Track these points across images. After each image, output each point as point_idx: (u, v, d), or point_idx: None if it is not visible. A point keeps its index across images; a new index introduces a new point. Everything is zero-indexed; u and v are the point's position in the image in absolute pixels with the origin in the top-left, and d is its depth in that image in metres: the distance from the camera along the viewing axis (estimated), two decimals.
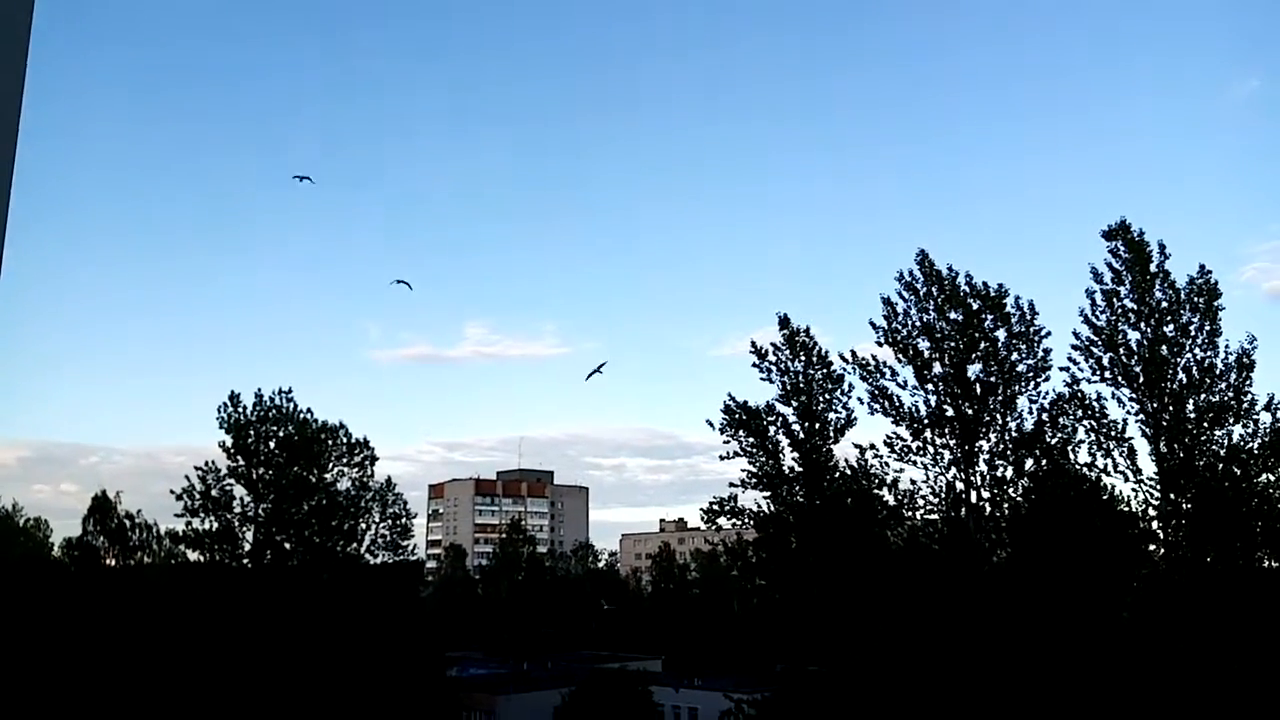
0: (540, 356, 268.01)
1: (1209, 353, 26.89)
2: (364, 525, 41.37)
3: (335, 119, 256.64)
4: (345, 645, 37.28)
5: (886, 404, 29.01)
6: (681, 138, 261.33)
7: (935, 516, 28.80)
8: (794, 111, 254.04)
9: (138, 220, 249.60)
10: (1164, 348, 27.03)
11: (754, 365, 30.33)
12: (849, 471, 29.46)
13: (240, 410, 40.56)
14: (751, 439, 29.77)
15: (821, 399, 29.99)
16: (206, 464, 40.07)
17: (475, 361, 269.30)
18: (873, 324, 29.45)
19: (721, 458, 29.99)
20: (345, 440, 41.89)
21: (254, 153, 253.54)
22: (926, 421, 28.55)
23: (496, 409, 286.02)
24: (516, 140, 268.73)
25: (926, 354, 28.82)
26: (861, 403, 29.58)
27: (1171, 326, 27.12)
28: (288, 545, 40.12)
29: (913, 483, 28.61)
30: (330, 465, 41.34)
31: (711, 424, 29.98)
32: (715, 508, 29.65)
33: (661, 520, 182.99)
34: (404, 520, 42.51)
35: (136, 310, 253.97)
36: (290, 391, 41.36)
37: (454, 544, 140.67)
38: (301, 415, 41.26)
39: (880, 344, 29.36)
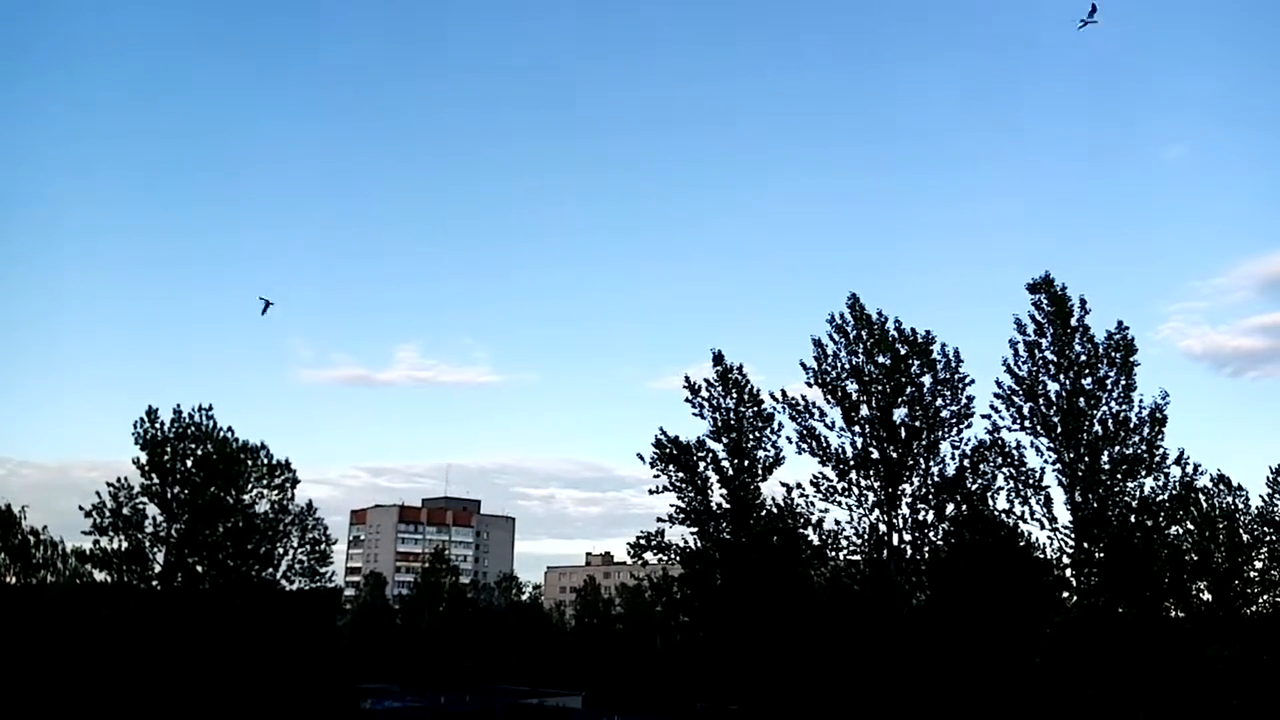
0: (473, 384, 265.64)
1: (1124, 406, 27.82)
2: (281, 550, 40.18)
3: (274, 135, 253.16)
4: (256, 673, 36.07)
5: (814, 444, 29.40)
6: (623, 169, 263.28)
7: (858, 557, 29.15)
8: (738, 149, 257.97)
9: (54, 228, 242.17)
10: (1081, 399, 27.89)
11: (686, 400, 30.55)
12: (775, 510, 29.68)
13: (158, 426, 39.24)
14: (681, 474, 29.88)
15: (751, 437, 30.25)
16: (118, 480, 38.65)
17: (406, 386, 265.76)
18: (803, 364, 29.92)
19: (651, 491, 30.10)
20: (266, 461, 40.75)
21: (187, 166, 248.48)
22: (852, 463, 28.97)
23: (426, 435, 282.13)
24: (454, 165, 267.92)
25: (854, 396, 29.31)
26: (790, 442, 30.00)
27: (1089, 379, 28.01)
28: (200, 568, 38.77)
29: (837, 523, 29.05)
30: (249, 486, 40.13)
31: (642, 457, 30.08)
32: (642, 542, 29.64)
33: (588, 554, 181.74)
34: (323, 546, 41.42)
35: (52, 319, 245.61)
36: (211, 409, 40.22)
37: (374, 572, 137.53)
38: (221, 434, 40.10)
39: (810, 384, 29.84)
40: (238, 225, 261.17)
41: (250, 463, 40.36)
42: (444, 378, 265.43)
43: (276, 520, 40.25)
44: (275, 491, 40.59)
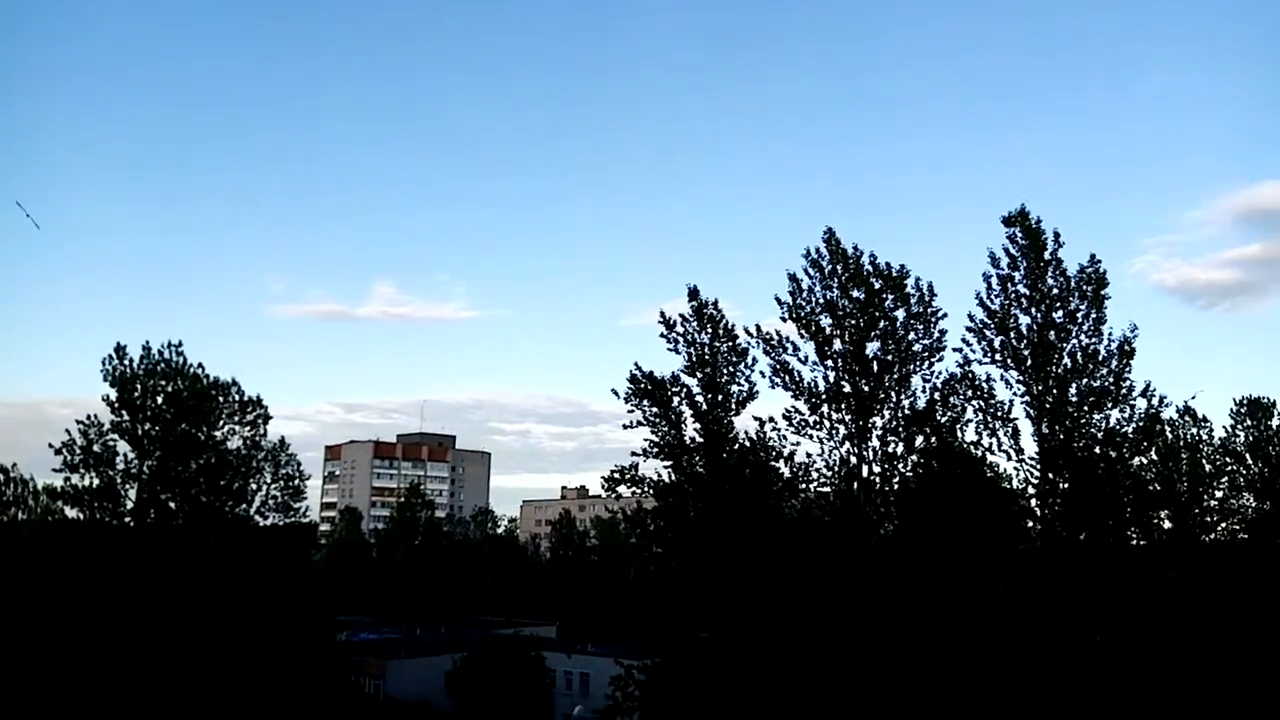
0: (449, 319, 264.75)
1: (1093, 339, 28.04)
2: (254, 486, 40.13)
3: (249, 69, 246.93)
4: (230, 607, 36.24)
5: (787, 378, 29.48)
6: (602, 105, 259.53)
7: (828, 489, 29.49)
8: (714, 85, 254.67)
9: (23, 161, 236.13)
10: (1052, 333, 28.08)
11: (661, 335, 30.43)
12: (748, 444, 29.88)
13: (127, 363, 38.79)
14: (655, 409, 29.92)
15: (725, 371, 30.26)
16: (88, 418, 38.26)
17: (381, 321, 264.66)
18: (778, 299, 29.84)
19: (625, 426, 30.12)
20: (238, 398, 40.48)
21: (157, 98, 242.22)
22: (824, 396, 29.12)
23: (401, 371, 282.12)
24: (432, 98, 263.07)
25: (828, 330, 29.32)
26: (764, 376, 30.03)
27: (1061, 312, 28.15)
28: (172, 504, 38.66)
29: (808, 456, 29.28)
30: (221, 423, 39.93)
31: (616, 393, 30.05)
32: (616, 476, 29.75)
33: (563, 487, 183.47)
34: (297, 481, 41.41)
35: (20, 257, 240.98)
36: (181, 345, 39.77)
37: (350, 507, 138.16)
38: (192, 370, 39.73)
39: (784, 319, 29.80)
40: (208, 158, 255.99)
41: (221, 399, 40.07)
42: (420, 313, 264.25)
43: (249, 456, 40.12)
44: (247, 428, 40.41)
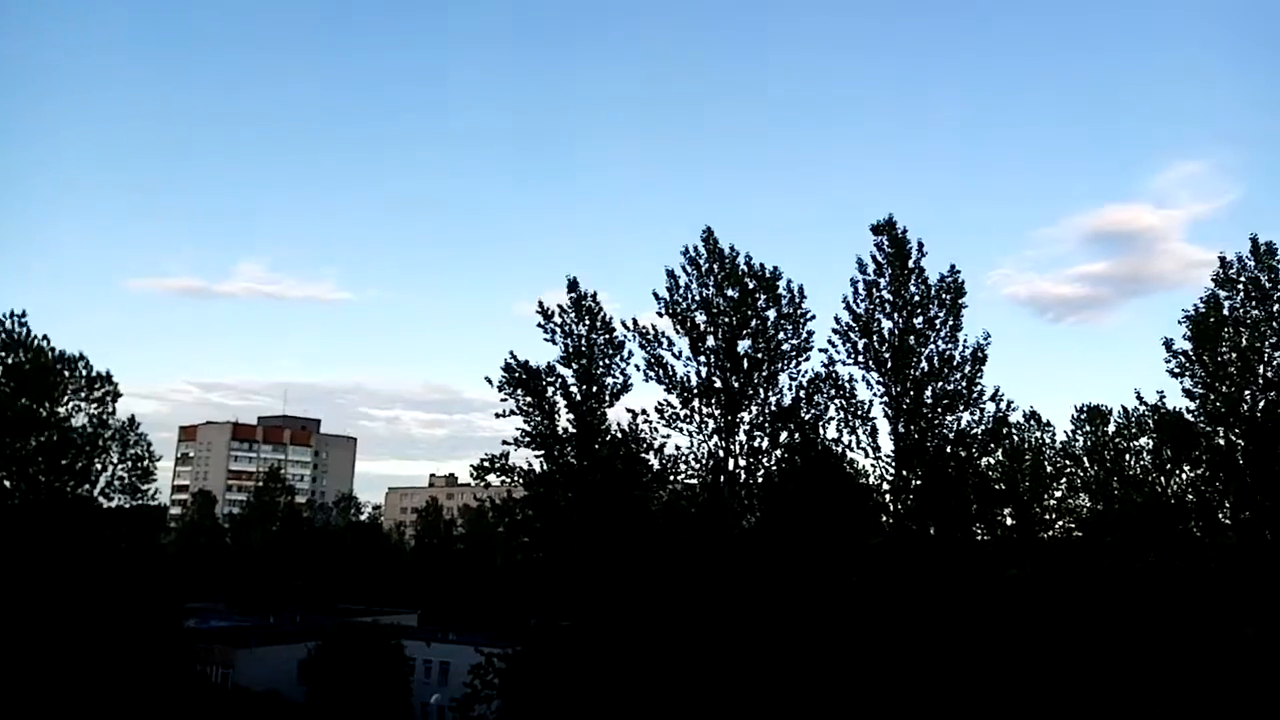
0: (320, 299, 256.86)
1: (950, 345, 29.59)
2: (99, 465, 38.18)
3: (115, 18, 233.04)
4: (69, 592, 34.39)
5: (661, 372, 29.95)
6: (494, 87, 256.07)
7: (695, 481, 30.08)
8: (609, 77, 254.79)
9: None
10: (912, 338, 29.45)
11: (539, 325, 30.39)
12: (620, 435, 30.17)
13: None
14: (529, 398, 29.83)
15: (601, 363, 30.47)
16: None
17: (246, 299, 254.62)
18: (656, 294, 30.29)
19: (498, 415, 29.92)
20: (84, 372, 38.42)
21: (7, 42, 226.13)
22: (696, 391, 29.72)
23: (265, 351, 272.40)
24: (311, 71, 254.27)
25: (702, 327, 29.95)
26: (638, 369, 30.40)
27: (921, 319, 29.57)
28: (9, 483, 36.46)
29: (678, 448, 29.79)
30: (65, 399, 37.81)
31: (490, 381, 29.84)
32: (486, 465, 29.55)
33: (432, 475, 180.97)
34: (146, 462, 39.59)
35: None
36: (24, 315, 37.53)
37: (203, 490, 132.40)
38: (36, 342, 37.49)
39: (661, 314, 30.27)
40: (61, 115, 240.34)
41: (67, 374, 37.99)
42: (289, 292, 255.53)
43: (95, 435, 38.17)
44: (94, 404, 38.45)
